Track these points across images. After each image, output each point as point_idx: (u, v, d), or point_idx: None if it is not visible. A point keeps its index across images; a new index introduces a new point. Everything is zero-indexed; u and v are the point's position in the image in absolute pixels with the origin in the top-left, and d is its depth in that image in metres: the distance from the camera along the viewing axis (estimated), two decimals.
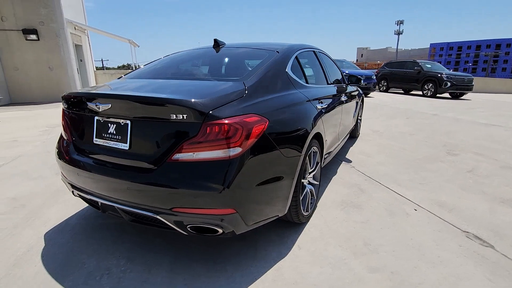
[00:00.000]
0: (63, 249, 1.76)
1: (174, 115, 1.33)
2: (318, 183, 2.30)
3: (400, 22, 45.27)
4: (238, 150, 1.36)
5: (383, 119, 6.17)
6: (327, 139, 2.44)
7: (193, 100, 1.34)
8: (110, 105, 1.47)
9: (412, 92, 13.19)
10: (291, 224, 2.02)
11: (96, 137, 1.58)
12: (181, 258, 1.68)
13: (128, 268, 1.59)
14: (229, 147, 1.34)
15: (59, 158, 1.74)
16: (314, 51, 2.77)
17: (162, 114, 1.37)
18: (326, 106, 2.39)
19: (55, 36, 10.67)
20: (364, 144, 4.16)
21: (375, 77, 11.82)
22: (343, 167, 3.21)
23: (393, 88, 13.45)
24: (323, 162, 2.47)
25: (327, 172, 3.03)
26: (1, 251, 1.73)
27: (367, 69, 21.99)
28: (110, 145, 1.52)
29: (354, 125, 4.16)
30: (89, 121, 1.60)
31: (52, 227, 1.99)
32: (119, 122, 1.49)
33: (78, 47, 12.13)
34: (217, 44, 2.34)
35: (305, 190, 2.02)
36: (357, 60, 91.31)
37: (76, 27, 11.61)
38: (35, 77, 10.50)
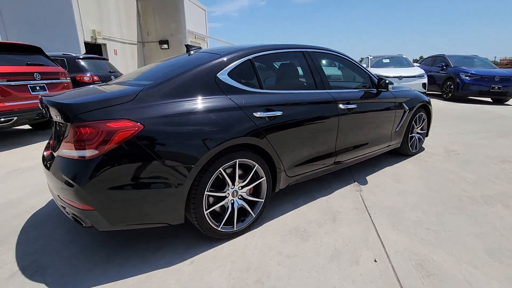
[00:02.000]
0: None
1: (56, 117, 1.56)
2: (261, 200, 2.05)
3: None
4: (94, 152, 1.45)
5: (484, 135, 4.53)
6: (289, 152, 2.12)
7: (63, 103, 1.53)
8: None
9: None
10: (209, 238, 1.91)
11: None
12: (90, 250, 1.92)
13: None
14: (85, 149, 1.46)
15: None
16: (303, 52, 2.42)
17: (56, 117, 1.61)
18: (289, 114, 2.08)
19: (180, 45, 13.09)
20: (410, 167, 3.25)
21: None
22: (344, 190, 2.66)
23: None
24: (292, 176, 2.21)
25: (318, 188, 2.60)
26: None
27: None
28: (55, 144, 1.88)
29: (401, 141, 3.32)
30: None
31: None
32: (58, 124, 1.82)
33: None
34: (187, 49, 2.42)
35: (225, 204, 1.87)
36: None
37: (196, 36, 13.90)
38: None
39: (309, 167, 2.37)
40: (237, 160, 1.85)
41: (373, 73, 3.00)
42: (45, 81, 4.95)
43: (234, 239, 1.93)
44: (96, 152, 1.46)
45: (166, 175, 1.59)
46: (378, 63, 9.98)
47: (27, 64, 4.80)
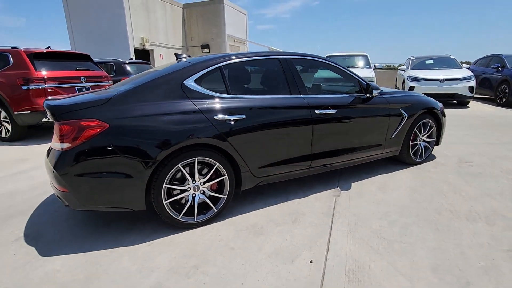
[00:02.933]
0: None
1: (49, 117, 1.95)
2: (223, 196, 2.23)
3: None
4: (67, 145, 1.80)
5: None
6: (253, 154, 2.26)
7: (52, 105, 1.90)
8: None
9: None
10: (173, 226, 2.14)
11: None
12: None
13: None
14: (62, 142, 1.81)
15: None
16: (279, 60, 2.51)
17: (49, 117, 2.00)
18: (253, 118, 2.23)
19: (219, 48, 13.78)
20: (406, 176, 3.09)
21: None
22: (322, 194, 2.68)
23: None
24: (260, 176, 2.38)
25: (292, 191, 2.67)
26: None
27: None
28: None
29: (399, 148, 3.17)
30: None
31: None
32: None
33: None
34: (176, 58, 2.70)
35: (185, 196, 2.10)
36: None
37: (235, 40, 14.46)
38: None
39: (280, 169, 2.47)
40: (196, 158, 2.06)
41: (362, 78, 2.94)
42: (89, 84, 5.77)
43: (194, 230, 2.14)
44: (70, 145, 1.80)
45: (127, 167, 1.88)
46: (420, 65, 9.26)
47: (76, 69, 5.66)
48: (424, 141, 3.43)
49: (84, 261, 1.81)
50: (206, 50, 14.09)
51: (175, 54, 2.74)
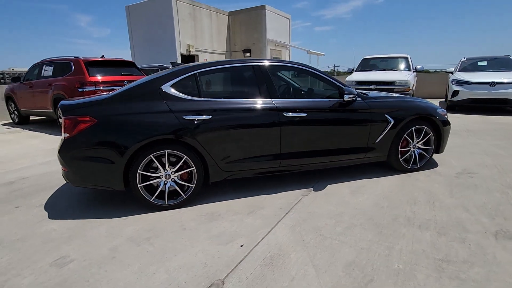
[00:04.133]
0: None
1: (60, 114, 2.54)
2: (191, 185, 2.58)
3: None
4: (67, 135, 2.35)
5: None
6: (219, 150, 2.57)
7: (61, 105, 2.48)
8: None
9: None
10: (149, 206, 2.57)
11: None
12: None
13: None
14: (64, 132, 2.37)
15: None
16: (253, 66, 2.76)
17: (60, 114, 2.59)
18: (219, 118, 2.53)
19: (260, 52, 14.27)
20: (389, 183, 3.03)
21: None
22: (292, 193, 2.84)
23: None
24: (228, 171, 2.67)
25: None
26: None
27: None
28: None
29: (386, 154, 3.13)
30: None
31: None
32: None
33: None
34: (172, 65, 3.15)
35: (157, 182, 2.50)
36: None
37: (276, 44, 14.77)
38: None
39: (248, 165, 2.72)
40: (166, 151, 2.45)
41: (341, 83, 3.00)
42: None
43: (164, 211, 2.53)
44: (68, 135, 2.35)
45: (109, 154, 2.35)
46: (471, 66, 8.36)
47: (121, 75, 6.64)
48: (419, 148, 3.30)
49: (74, 225, 2.34)
50: (248, 54, 14.69)
51: (171, 62, 3.21)
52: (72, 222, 2.38)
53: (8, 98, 8.06)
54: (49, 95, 6.45)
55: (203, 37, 13.32)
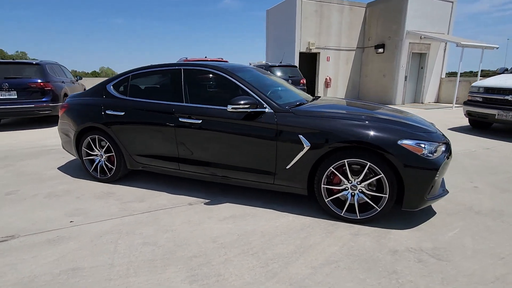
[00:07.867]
0: None
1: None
2: (113, 167, 3.15)
3: None
4: (60, 114, 3.52)
5: None
6: (129, 142, 2.98)
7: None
8: None
9: None
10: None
11: None
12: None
13: None
14: (58, 114, 3.56)
15: None
16: (181, 70, 2.87)
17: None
18: (129, 115, 2.93)
19: (394, 48, 12.25)
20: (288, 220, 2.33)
21: None
22: (184, 198, 2.82)
23: None
24: (139, 162, 3.06)
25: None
26: None
27: None
28: None
29: (305, 187, 2.40)
30: None
31: None
32: None
33: (420, 55, 12.43)
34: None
35: (94, 158, 3.25)
36: None
37: (421, 37, 11.88)
38: (374, 82, 13.20)
39: (154, 162, 2.96)
40: (96, 136, 3.14)
41: (256, 91, 2.52)
42: None
43: (112, 184, 3.19)
44: (60, 114, 3.52)
45: (69, 131, 3.33)
46: None
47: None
48: (363, 192, 2.26)
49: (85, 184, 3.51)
50: (380, 50, 12.66)
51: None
52: (92, 183, 3.58)
53: None
54: None
55: (328, 34, 12.82)
